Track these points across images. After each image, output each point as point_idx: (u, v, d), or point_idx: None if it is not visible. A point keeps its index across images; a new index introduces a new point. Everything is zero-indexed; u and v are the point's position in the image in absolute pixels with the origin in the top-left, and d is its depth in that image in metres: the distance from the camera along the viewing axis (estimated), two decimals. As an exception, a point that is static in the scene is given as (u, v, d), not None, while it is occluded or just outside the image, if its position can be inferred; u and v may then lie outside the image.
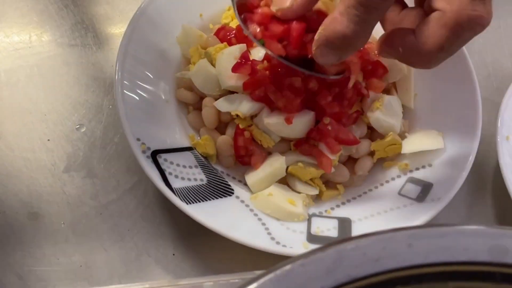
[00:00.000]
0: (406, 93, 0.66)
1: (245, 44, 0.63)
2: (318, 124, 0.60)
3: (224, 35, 0.65)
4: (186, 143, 0.61)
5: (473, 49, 0.72)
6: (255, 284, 0.26)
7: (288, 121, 0.58)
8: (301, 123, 0.59)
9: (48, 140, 0.65)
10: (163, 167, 0.57)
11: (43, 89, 0.68)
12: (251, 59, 0.60)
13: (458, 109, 0.64)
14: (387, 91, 0.65)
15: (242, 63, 0.60)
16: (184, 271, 0.58)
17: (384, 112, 0.61)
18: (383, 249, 0.28)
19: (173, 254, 0.59)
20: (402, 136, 0.64)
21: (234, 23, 0.66)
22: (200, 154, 0.61)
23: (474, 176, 0.63)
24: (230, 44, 0.64)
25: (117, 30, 0.73)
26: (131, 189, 0.62)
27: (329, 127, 0.59)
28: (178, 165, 0.58)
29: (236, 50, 0.62)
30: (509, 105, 0.64)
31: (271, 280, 0.27)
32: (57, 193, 0.62)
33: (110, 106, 0.67)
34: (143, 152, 0.57)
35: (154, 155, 0.57)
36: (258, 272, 0.27)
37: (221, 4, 0.68)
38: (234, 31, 0.65)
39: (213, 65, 0.62)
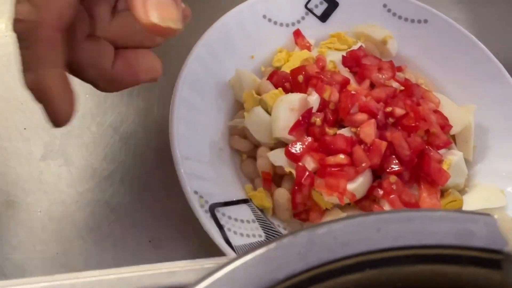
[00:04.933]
0: (466, 146, 0.64)
1: (305, 95, 0.60)
2: (382, 181, 0.57)
3: (277, 80, 0.63)
4: (242, 195, 0.59)
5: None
6: (231, 266, 0.27)
7: (341, 201, 0.56)
8: (360, 187, 0.57)
9: (25, 128, 0.65)
10: (221, 222, 0.54)
11: (20, 78, 0.67)
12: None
13: None
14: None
15: (302, 124, 0.58)
16: (160, 259, 0.59)
17: (452, 174, 0.59)
18: (353, 233, 0.28)
19: (149, 241, 0.60)
20: (462, 190, 0.62)
21: (286, 66, 0.65)
22: (256, 207, 0.59)
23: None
24: (285, 90, 0.62)
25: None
26: (107, 177, 0.63)
27: (394, 186, 0.56)
28: (236, 219, 0.56)
29: (295, 100, 0.60)
30: None
31: (245, 263, 0.27)
32: (34, 181, 0.62)
33: (87, 95, 0.67)
34: (201, 206, 0.53)
35: (212, 209, 0.54)
36: (232, 257, 0.28)
37: (272, 46, 0.69)
38: (289, 77, 0.63)
39: (268, 113, 0.61)
